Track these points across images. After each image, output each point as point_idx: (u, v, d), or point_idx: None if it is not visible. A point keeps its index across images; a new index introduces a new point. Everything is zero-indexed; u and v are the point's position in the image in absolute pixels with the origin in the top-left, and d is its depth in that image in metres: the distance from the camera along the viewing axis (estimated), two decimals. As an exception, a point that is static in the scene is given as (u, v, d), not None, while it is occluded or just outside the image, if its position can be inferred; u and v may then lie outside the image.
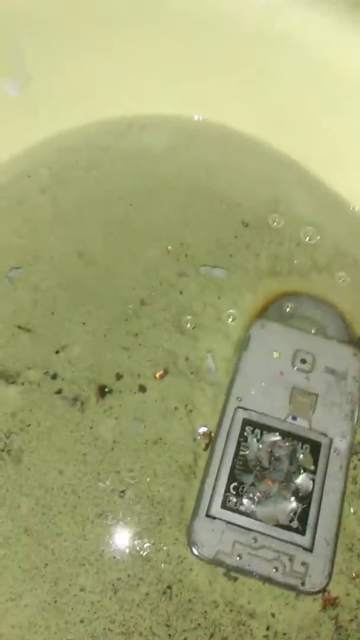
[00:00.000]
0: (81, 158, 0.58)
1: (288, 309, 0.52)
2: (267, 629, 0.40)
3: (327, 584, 0.41)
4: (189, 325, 0.50)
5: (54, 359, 0.48)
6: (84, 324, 0.50)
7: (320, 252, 0.54)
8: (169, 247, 0.53)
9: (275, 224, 0.55)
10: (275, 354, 0.49)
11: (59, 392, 0.47)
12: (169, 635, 0.39)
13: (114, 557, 0.42)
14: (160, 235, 0.54)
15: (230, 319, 0.51)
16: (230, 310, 0.51)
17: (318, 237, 0.55)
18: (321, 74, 0.52)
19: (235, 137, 0.59)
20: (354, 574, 0.42)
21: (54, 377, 0.48)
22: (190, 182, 0.57)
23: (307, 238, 0.55)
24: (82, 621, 0.40)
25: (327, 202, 0.57)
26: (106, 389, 0.47)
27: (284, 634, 0.40)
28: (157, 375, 0.48)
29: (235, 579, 0.41)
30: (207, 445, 0.46)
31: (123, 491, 0.44)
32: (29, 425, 0.46)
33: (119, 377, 0.48)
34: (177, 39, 0.55)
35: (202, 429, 0.47)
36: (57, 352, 0.49)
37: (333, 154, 0.56)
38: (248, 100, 0.57)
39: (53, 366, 0.48)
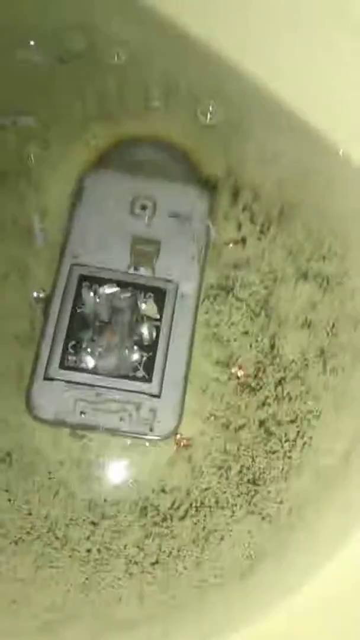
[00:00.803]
0: None
1: (125, 155, 0.47)
2: (118, 477, 0.39)
3: (177, 427, 0.40)
4: (11, 182, 0.45)
5: None
6: None
7: (153, 87, 0.49)
8: None
9: (93, 55, 0.49)
10: (112, 204, 0.45)
11: None
12: (9, 500, 0.37)
13: None
14: None
15: (58, 172, 0.46)
16: (58, 162, 0.46)
17: (147, 68, 0.49)
18: None
19: None
20: (207, 414, 0.41)
21: None
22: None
23: (138, 73, 0.49)
24: None
25: (150, 24, 0.50)
26: None
27: (137, 480, 0.39)
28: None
29: (82, 436, 0.39)
30: (43, 310, 0.42)
31: None
32: None
33: None
34: None
35: (38, 293, 0.43)
36: None
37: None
38: None
39: None
